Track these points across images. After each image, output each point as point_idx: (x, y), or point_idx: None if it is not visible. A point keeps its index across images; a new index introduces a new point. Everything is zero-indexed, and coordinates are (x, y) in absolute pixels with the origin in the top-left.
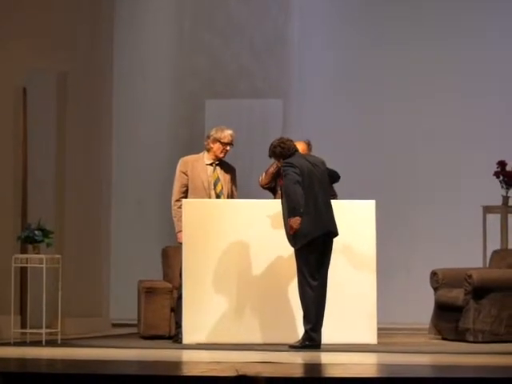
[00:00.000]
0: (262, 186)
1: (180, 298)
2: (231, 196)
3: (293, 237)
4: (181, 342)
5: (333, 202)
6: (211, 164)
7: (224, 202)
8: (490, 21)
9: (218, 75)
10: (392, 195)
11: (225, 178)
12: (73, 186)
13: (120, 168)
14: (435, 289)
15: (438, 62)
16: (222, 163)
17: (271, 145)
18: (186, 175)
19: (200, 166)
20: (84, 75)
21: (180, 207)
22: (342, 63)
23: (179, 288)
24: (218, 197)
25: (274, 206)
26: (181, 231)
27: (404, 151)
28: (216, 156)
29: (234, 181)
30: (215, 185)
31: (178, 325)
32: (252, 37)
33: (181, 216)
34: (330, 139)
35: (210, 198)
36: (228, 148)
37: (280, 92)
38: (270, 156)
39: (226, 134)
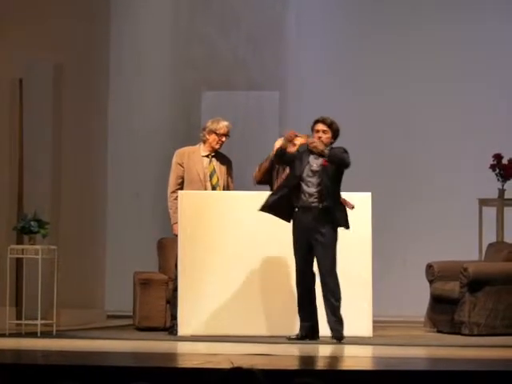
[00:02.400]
0: (257, 182)
1: (175, 289)
2: (227, 188)
3: (346, 218)
4: (176, 334)
5: None
6: (207, 156)
7: (220, 193)
8: (490, 12)
9: (214, 67)
10: (388, 188)
11: (221, 169)
12: (69, 177)
13: (116, 159)
14: (431, 281)
15: (437, 54)
16: (217, 155)
17: (333, 120)
18: (182, 167)
19: (196, 157)
20: (80, 66)
21: (176, 199)
22: (339, 55)
23: (174, 280)
24: (213, 188)
25: None
26: (176, 223)
27: (401, 144)
28: (212, 147)
29: (230, 172)
30: (211, 176)
31: (174, 317)
32: (249, 28)
33: (176, 208)
34: None
35: (205, 189)
36: (224, 139)
37: (277, 84)
38: (336, 130)
39: (222, 125)
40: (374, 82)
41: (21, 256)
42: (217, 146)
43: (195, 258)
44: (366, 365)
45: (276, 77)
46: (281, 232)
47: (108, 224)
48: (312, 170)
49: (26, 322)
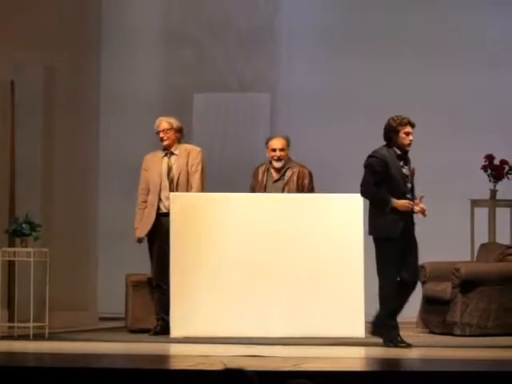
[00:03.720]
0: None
1: (155, 288)
2: (187, 181)
3: None
4: (158, 332)
5: (321, 195)
6: (166, 155)
7: (212, 195)
8: (487, 13)
9: (205, 68)
10: None
11: (178, 165)
12: (60, 180)
13: (107, 161)
14: (423, 282)
15: (428, 57)
16: (180, 151)
17: None
18: (146, 171)
19: (156, 159)
20: (72, 68)
21: (139, 207)
22: (331, 57)
23: (154, 279)
24: (170, 183)
25: (263, 199)
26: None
27: None
28: (163, 146)
29: (192, 163)
30: (168, 174)
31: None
32: (240, 30)
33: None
34: (318, 134)
35: (161, 188)
36: (161, 135)
37: (268, 86)
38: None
39: (157, 122)
40: (366, 84)
41: (13, 258)
42: (163, 143)
43: (187, 260)
44: (358, 366)
45: (267, 78)
46: (276, 233)
47: (100, 226)
48: (406, 175)
49: (18, 324)
